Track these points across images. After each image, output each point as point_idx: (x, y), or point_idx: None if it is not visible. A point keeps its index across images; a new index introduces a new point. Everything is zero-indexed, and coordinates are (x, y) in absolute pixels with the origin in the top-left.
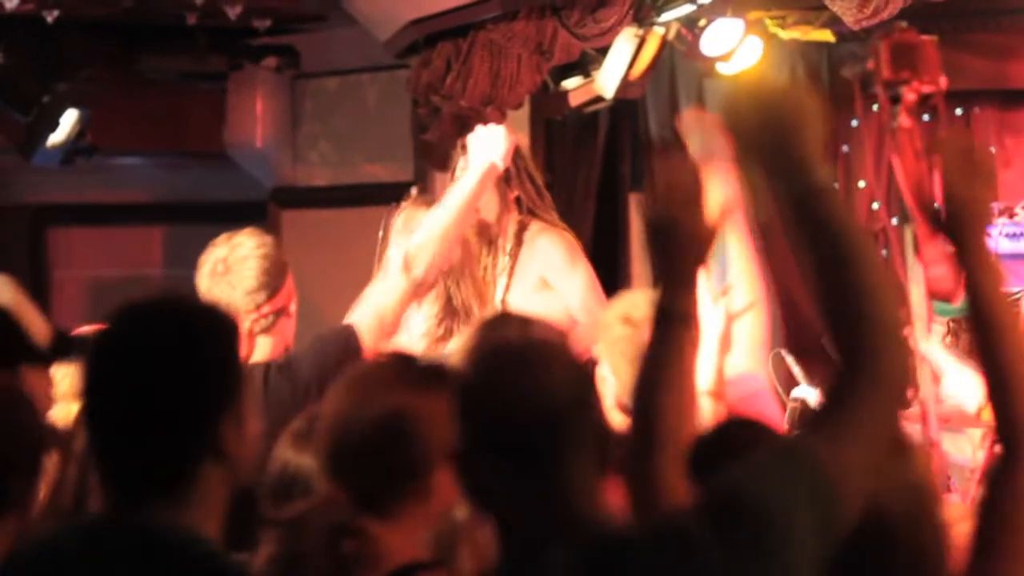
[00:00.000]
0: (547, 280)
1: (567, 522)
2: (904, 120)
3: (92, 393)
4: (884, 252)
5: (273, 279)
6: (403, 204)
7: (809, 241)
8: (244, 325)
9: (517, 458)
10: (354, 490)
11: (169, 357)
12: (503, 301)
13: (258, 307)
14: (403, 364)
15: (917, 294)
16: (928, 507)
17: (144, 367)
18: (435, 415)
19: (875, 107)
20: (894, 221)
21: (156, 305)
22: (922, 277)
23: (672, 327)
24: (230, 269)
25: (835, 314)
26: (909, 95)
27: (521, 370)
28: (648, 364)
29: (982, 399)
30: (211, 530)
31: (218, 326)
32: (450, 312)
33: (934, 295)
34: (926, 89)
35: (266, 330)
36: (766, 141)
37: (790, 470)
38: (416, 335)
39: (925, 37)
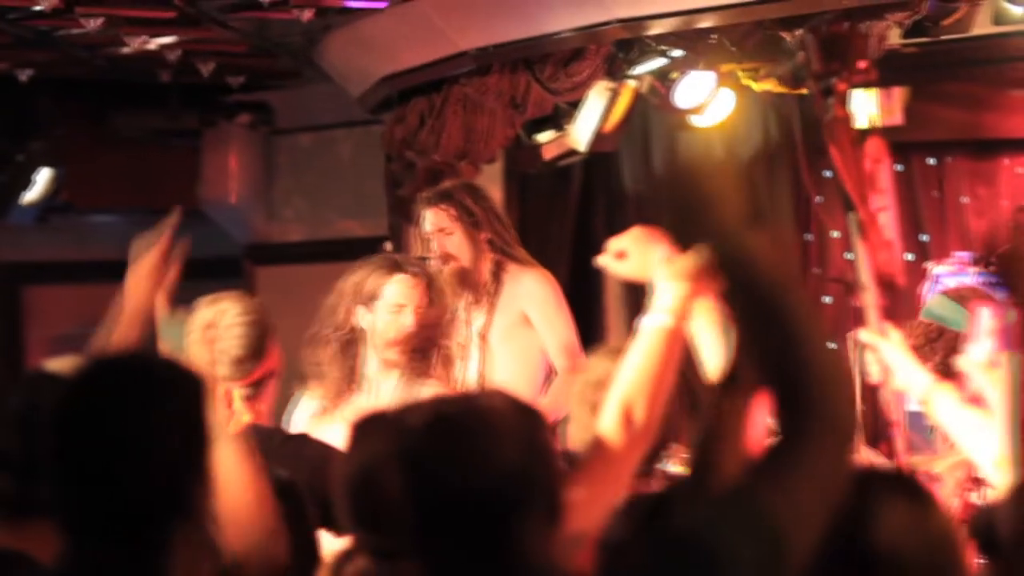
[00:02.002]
0: (529, 317)
1: None
2: (838, 110)
3: (57, 448)
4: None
5: (260, 346)
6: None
7: (739, 305)
8: (233, 392)
9: (470, 525)
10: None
11: (132, 411)
12: (482, 336)
13: (247, 374)
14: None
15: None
16: (952, 556)
17: (106, 420)
18: None
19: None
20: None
21: (123, 362)
22: (869, 263)
23: (739, 393)
24: (218, 336)
25: (773, 367)
26: (840, 85)
27: (469, 441)
28: (713, 431)
29: (998, 452)
30: None
31: (185, 384)
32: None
33: (880, 278)
34: (857, 80)
35: (255, 396)
36: (683, 222)
37: (741, 517)
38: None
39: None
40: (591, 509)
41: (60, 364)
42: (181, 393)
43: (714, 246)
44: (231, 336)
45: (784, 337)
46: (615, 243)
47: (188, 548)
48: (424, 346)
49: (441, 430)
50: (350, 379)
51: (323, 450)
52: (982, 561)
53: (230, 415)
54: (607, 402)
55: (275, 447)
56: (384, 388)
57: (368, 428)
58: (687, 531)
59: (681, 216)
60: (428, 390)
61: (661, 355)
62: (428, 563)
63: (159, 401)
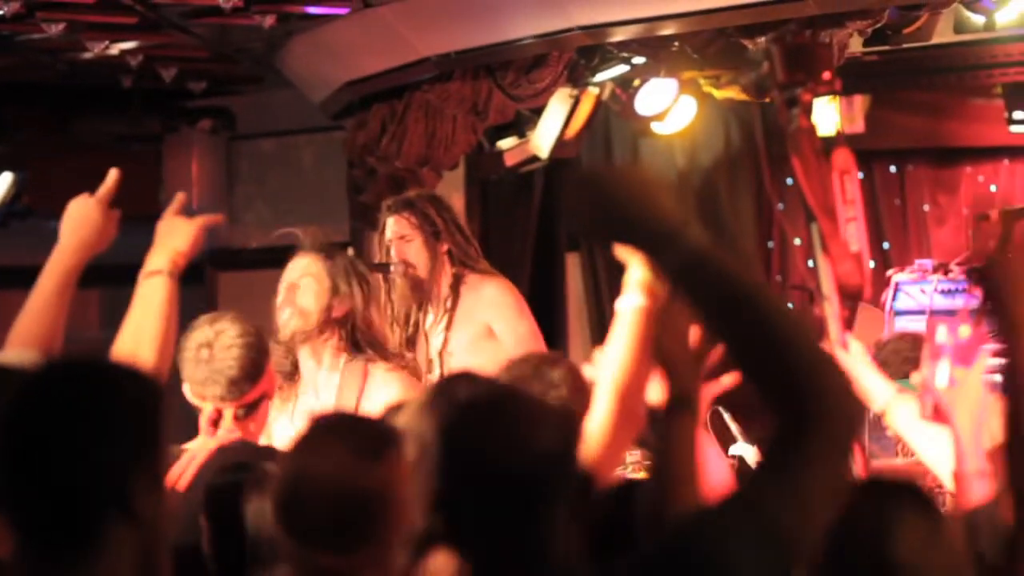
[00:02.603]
0: (493, 328)
1: (539, 572)
2: (802, 121)
3: (5, 446)
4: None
5: (256, 367)
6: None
7: (705, 308)
8: (227, 412)
9: (498, 509)
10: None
11: (79, 413)
12: (441, 353)
13: (243, 395)
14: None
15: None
16: (966, 567)
17: (54, 421)
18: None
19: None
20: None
21: (75, 364)
22: (830, 274)
23: (685, 417)
24: (214, 357)
25: (759, 372)
26: (805, 96)
27: (507, 423)
28: (662, 456)
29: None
30: None
31: (136, 388)
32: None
33: (843, 290)
34: (822, 90)
35: (249, 415)
36: (616, 228)
37: (746, 519)
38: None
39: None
40: None
41: (6, 357)
42: (133, 398)
43: (656, 254)
44: (228, 357)
45: (767, 334)
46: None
47: (131, 550)
48: (335, 329)
49: (481, 411)
50: (291, 377)
51: None
52: None
53: (212, 433)
54: (601, 389)
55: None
56: (322, 381)
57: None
58: (690, 538)
59: (605, 225)
60: (381, 373)
61: (641, 335)
62: (459, 546)
63: (109, 405)
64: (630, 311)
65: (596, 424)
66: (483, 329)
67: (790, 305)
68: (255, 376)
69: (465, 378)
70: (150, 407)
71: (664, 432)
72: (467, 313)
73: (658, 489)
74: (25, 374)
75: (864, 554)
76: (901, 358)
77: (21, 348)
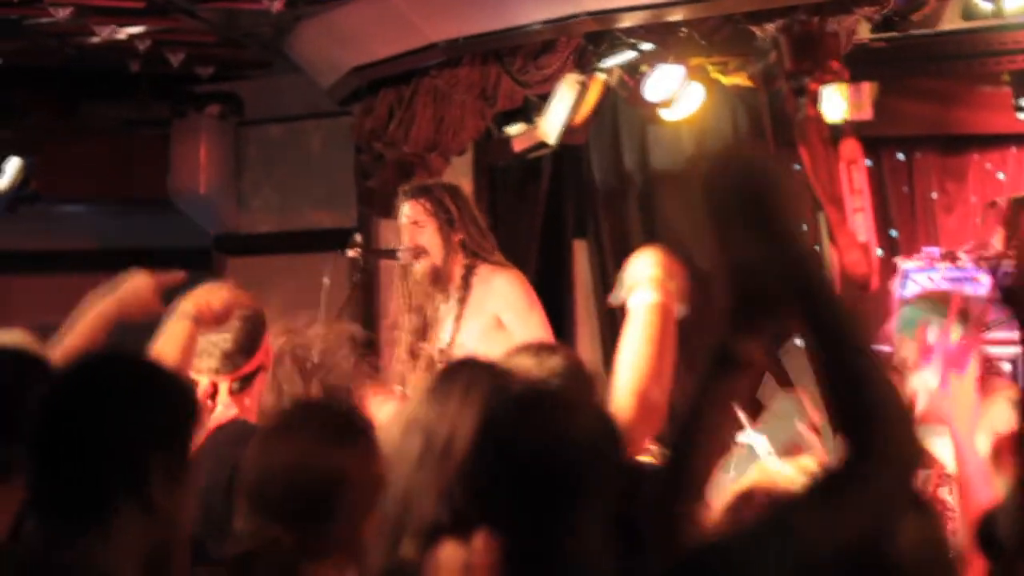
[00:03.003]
0: (502, 319)
1: (573, 562)
2: (809, 110)
3: (37, 424)
4: None
5: (252, 340)
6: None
7: (803, 310)
8: (222, 386)
9: (537, 499)
10: (289, 535)
11: (107, 399)
12: (451, 343)
13: (237, 368)
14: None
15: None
16: (947, 562)
17: (82, 404)
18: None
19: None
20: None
21: (115, 356)
22: (836, 262)
23: (728, 371)
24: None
25: (842, 400)
26: (812, 85)
27: (550, 417)
28: (694, 403)
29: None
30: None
31: (165, 387)
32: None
33: (850, 279)
34: (829, 79)
35: (244, 389)
36: (746, 209)
37: (773, 539)
38: None
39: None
40: None
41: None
42: (160, 395)
43: (778, 243)
44: (224, 330)
45: (850, 359)
46: None
47: (141, 537)
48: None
49: (526, 403)
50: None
51: None
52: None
53: (212, 408)
54: (619, 381)
55: None
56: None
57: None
58: (721, 554)
59: (746, 203)
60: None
61: (659, 328)
62: (496, 533)
63: (137, 396)
64: (644, 307)
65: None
66: (493, 320)
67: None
68: (251, 349)
69: (468, 365)
70: (178, 407)
71: (702, 385)
72: (478, 304)
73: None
74: (67, 367)
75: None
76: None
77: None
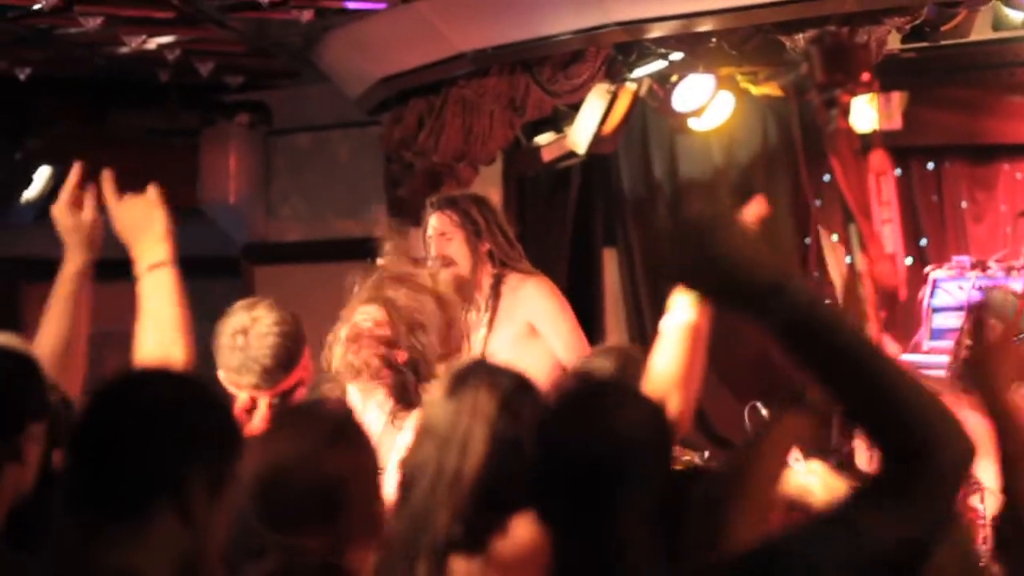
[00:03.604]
0: (535, 326)
1: (617, 558)
2: (841, 122)
3: (80, 428)
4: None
5: (291, 356)
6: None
7: (811, 360)
8: (262, 402)
9: (583, 489)
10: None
11: (151, 413)
12: (483, 353)
13: (276, 383)
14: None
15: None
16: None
17: (126, 416)
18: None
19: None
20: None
21: (156, 371)
22: (867, 273)
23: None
24: (250, 344)
25: (868, 414)
26: (844, 97)
27: (598, 409)
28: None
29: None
30: None
31: (206, 400)
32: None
33: (879, 289)
34: (860, 91)
35: (283, 405)
36: (719, 284)
37: (834, 535)
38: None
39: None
40: None
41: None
42: (207, 413)
43: (760, 308)
44: (263, 345)
45: (875, 381)
46: None
47: (175, 546)
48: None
49: (569, 395)
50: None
51: None
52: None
53: (247, 423)
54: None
55: None
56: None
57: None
58: (780, 551)
59: (709, 281)
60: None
61: (688, 348)
62: (545, 523)
63: (184, 417)
64: (676, 328)
65: None
66: (525, 328)
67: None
68: (290, 365)
69: (477, 368)
70: (223, 423)
71: (770, 421)
72: (508, 313)
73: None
74: (111, 380)
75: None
76: None
77: (44, 348)
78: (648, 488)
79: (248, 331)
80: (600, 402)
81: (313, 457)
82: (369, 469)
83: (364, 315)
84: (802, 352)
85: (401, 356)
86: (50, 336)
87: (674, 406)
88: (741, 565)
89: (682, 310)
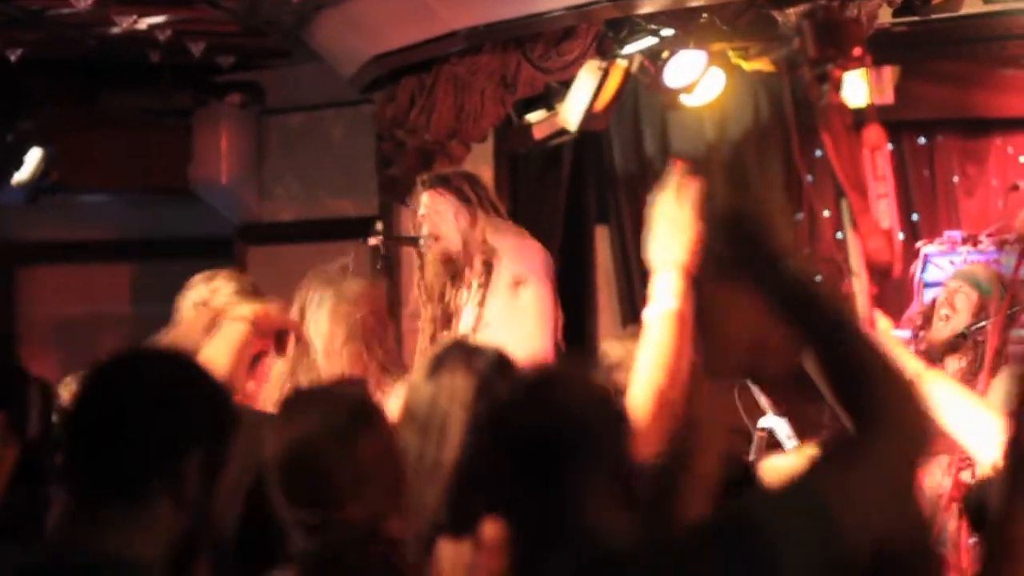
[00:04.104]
0: (517, 278)
1: (572, 535)
2: (833, 97)
3: (76, 410)
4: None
5: None
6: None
7: (802, 324)
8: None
9: (534, 470)
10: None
11: (147, 395)
12: (475, 329)
13: None
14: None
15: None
16: (930, 541)
17: (122, 398)
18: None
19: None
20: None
21: (152, 352)
22: (859, 250)
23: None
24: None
25: (839, 380)
26: (836, 72)
27: (547, 391)
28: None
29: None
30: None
31: (201, 383)
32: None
33: (872, 266)
34: (852, 66)
35: (247, 375)
36: (741, 254)
37: (797, 502)
38: None
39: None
40: None
41: None
42: (202, 397)
43: (765, 274)
44: None
45: (855, 355)
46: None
47: (171, 528)
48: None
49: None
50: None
51: None
52: (974, 538)
53: None
54: (636, 387)
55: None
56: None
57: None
58: (740, 516)
59: (741, 250)
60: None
61: (676, 335)
62: (491, 491)
63: (180, 400)
64: (662, 315)
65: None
66: (511, 287)
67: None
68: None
69: (455, 349)
70: (218, 407)
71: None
72: (497, 283)
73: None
74: (105, 361)
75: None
76: None
77: None
78: (601, 470)
79: (208, 302)
80: (546, 388)
81: (340, 434)
82: (391, 441)
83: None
84: (793, 316)
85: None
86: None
87: (665, 395)
88: (705, 536)
89: (664, 298)
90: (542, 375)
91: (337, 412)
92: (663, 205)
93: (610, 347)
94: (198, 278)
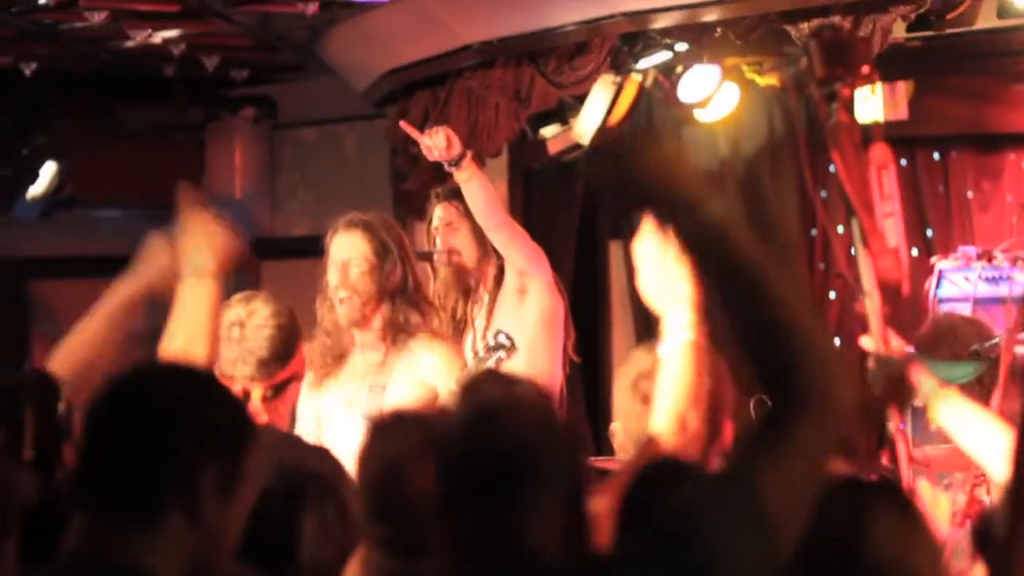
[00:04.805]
0: (525, 272)
1: (520, 564)
2: (842, 116)
3: (91, 423)
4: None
5: (287, 349)
6: None
7: (715, 278)
8: (255, 392)
9: (480, 500)
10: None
11: (162, 410)
12: (484, 337)
13: (271, 376)
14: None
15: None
16: (938, 569)
17: (137, 412)
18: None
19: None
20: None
21: (168, 366)
22: (871, 269)
23: None
24: (246, 337)
25: (758, 349)
26: (844, 91)
27: (491, 419)
28: None
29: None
30: None
31: (217, 399)
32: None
33: (883, 285)
34: (860, 84)
35: (275, 397)
36: (639, 198)
37: (730, 499)
38: None
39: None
40: None
41: None
42: (218, 412)
43: (675, 222)
44: (260, 337)
45: (771, 312)
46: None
47: (186, 546)
48: (382, 301)
49: (466, 411)
50: (336, 351)
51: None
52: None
53: None
54: (660, 417)
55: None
56: (366, 356)
57: (390, 425)
58: (679, 518)
59: (630, 193)
60: (421, 346)
61: (695, 365)
62: (442, 538)
63: (194, 415)
64: (677, 350)
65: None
66: (517, 290)
67: (830, 294)
68: (286, 357)
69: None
70: (233, 422)
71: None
72: (506, 291)
73: None
74: (119, 376)
75: (839, 554)
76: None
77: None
78: (550, 498)
79: (245, 323)
80: (491, 418)
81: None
82: None
83: (345, 250)
84: (706, 269)
85: (390, 283)
86: (67, 351)
87: (691, 425)
88: (643, 546)
89: (678, 332)
90: (488, 404)
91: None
92: (646, 250)
93: (640, 356)
94: (236, 298)
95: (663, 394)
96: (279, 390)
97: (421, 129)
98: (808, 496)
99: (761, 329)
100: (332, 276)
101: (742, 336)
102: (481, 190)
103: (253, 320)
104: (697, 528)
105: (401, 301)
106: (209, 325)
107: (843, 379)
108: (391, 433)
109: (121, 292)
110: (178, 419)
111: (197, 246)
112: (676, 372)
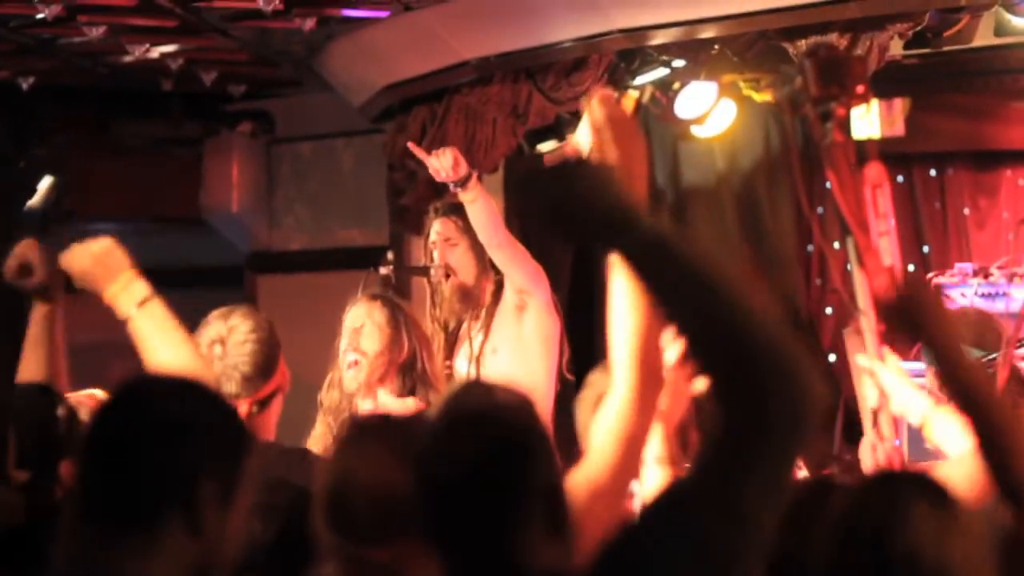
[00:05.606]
0: (521, 295)
1: (504, 568)
2: (837, 135)
3: (90, 436)
4: None
5: (269, 362)
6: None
7: (661, 293)
8: (241, 407)
9: (461, 506)
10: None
11: (160, 423)
12: (479, 356)
13: (256, 391)
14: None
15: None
16: (983, 561)
17: (136, 426)
18: None
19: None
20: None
21: (166, 379)
22: (866, 286)
23: None
24: (228, 353)
25: (714, 363)
26: (839, 110)
27: (461, 434)
28: None
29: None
30: None
31: (216, 411)
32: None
33: (878, 303)
34: (855, 104)
35: (260, 412)
36: (571, 222)
37: (675, 539)
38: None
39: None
40: (614, 496)
41: None
42: (216, 425)
43: (611, 243)
44: (242, 353)
45: (725, 322)
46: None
47: (186, 558)
48: (390, 371)
49: (442, 418)
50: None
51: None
52: None
53: None
54: (618, 362)
55: (271, 460)
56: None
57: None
58: (622, 558)
59: (561, 216)
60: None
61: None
62: (430, 554)
63: (193, 428)
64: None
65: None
66: (516, 307)
67: (827, 310)
68: (268, 371)
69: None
70: (231, 435)
71: None
72: (505, 307)
73: None
74: (119, 389)
75: (877, 546)
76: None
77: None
78: (532, 501)
79: (226, 340)
80: (467, 423)
81: (387, 471)
82: None
83: (359, 317)
84: (653, 284)
85: (400, 356)
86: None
87: (649, 360)
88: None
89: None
90: (464, 410)
91: (387, 449)
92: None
93: (598, 378)
94: (215, 315)
95: (615, 333)
96: (264, 405)
97: (418, 144)
98: (762, 524)
99: (717, 339)
100: (343, 341)
101: (698, 349)
102: (485, 210)
103: (234, 336)
104: (641, 551)
105: (409, 379)
106: (187, 339)
107: (811, 379)
108: (364, 440)
109: (36, 314)
110: (178, 431)
111: (111, 279)
112: (626, 314)
